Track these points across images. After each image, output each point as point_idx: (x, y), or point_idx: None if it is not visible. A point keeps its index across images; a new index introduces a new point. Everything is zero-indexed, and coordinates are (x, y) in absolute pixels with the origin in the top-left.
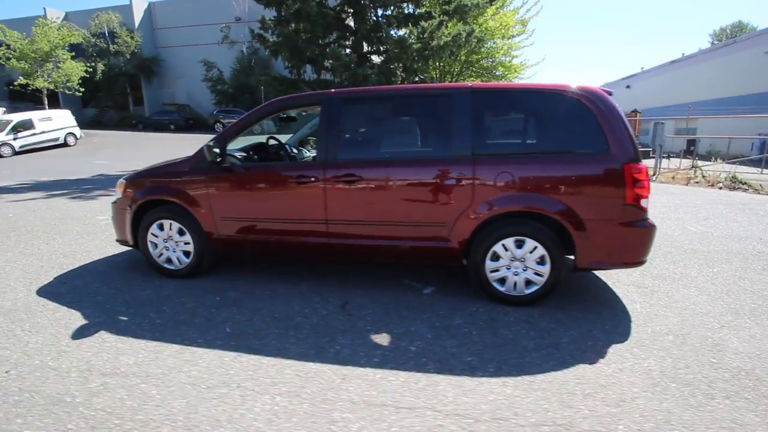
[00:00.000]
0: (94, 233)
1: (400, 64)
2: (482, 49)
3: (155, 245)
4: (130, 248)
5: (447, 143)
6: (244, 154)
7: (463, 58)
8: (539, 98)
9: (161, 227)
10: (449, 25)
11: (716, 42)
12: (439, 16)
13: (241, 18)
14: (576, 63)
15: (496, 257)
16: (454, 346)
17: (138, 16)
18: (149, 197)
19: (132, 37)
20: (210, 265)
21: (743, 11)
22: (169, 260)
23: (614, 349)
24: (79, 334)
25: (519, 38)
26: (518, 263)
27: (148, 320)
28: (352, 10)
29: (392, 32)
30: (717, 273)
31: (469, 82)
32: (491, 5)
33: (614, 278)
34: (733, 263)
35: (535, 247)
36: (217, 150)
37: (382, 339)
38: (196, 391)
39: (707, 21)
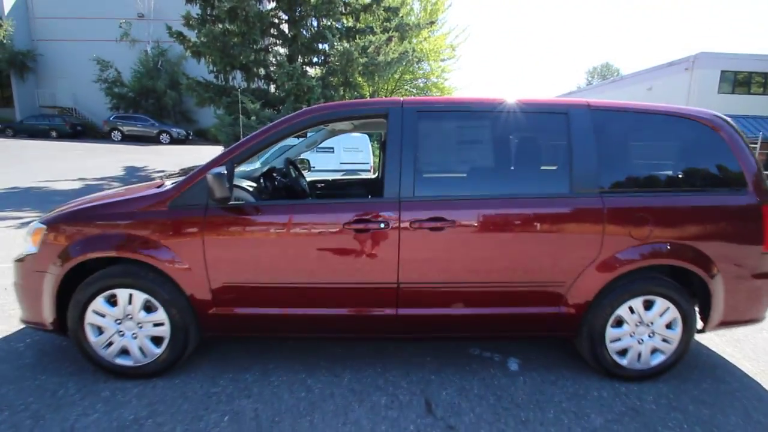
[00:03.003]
0: None
1: (342, 78)
2: (419, 71)
3: (99, 329)
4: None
5: (565, 176)
6: (254, 185)
7: (397, 76)
8: (666, 122)
9: (112, 301)
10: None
11: (590, 79)
12: (380, 32)
13: (144, 15)
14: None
15: (618, 323)
16: None
17: (9, 1)
18: (94, 253)
19: (0, 26)
20: (191, 353)
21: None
22: (124, 352)
23: None
24: None
25: (449, 62)
26: (644, 329)
27: None
28: (286, 17)
29: (336, 44)
30: None
31: (584, 99)
32: (431, 26)
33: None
34: None
35: (667, 308)
36: (227, 183)
37: None
38: None
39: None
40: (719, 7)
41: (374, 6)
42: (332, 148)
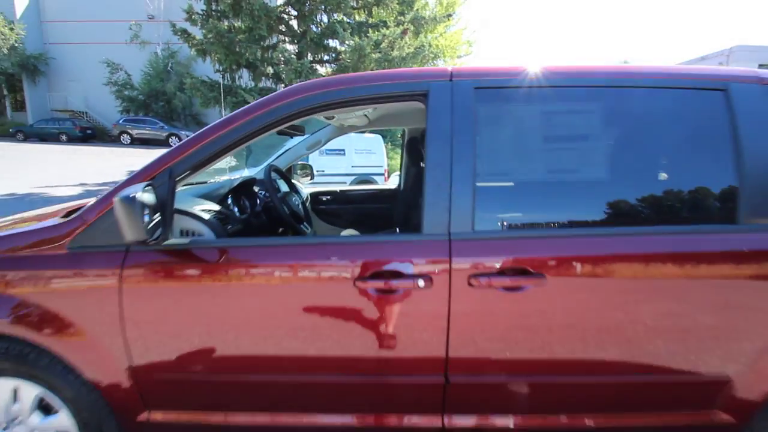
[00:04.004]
0: None
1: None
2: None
3: None
4: None
5: (728, 196)
6: (216, 211)
7: None
8: None
9: None
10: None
11: None
12: (394, 26)
13: (154, 16)
14: None
15: None
16: None
17: (21, 5)
18: None
19: (11, 29)
20: None
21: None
22: None
23: None
24: None
25: (465, 58)
26: None
27: None
28: (296, 12)
29: (347, 39)
30: None
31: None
32: (447, 20)
33: None
34: None
35: None
36: (142, 216)
37: None
38: None
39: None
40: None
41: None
42: (343, 150)
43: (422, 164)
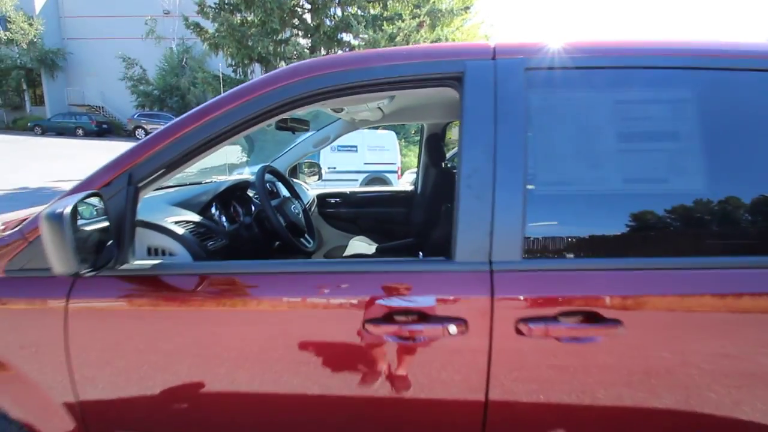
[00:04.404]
0: None
1: None
2: None
3: None
4: None
5: None
6: (196, 222)
7: None
8: None
9: None
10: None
11: None
12: (410, 19)
13: (170, 12)
14: None
15: None
16: None
17: (40, 1)
18: None
19: (31, 24)
20: None
21: None
22: None
23: None
24: None
25: None
26: None
27: None
28: (309, 5)
29: (361, 32)
30: None
31: None
32: (465, 12)
33: None
34: None
35: None
36: (70, 240)
37: None
38: None
39: None
40: None
41: None
42: (355, 146)
43: (444, 164)
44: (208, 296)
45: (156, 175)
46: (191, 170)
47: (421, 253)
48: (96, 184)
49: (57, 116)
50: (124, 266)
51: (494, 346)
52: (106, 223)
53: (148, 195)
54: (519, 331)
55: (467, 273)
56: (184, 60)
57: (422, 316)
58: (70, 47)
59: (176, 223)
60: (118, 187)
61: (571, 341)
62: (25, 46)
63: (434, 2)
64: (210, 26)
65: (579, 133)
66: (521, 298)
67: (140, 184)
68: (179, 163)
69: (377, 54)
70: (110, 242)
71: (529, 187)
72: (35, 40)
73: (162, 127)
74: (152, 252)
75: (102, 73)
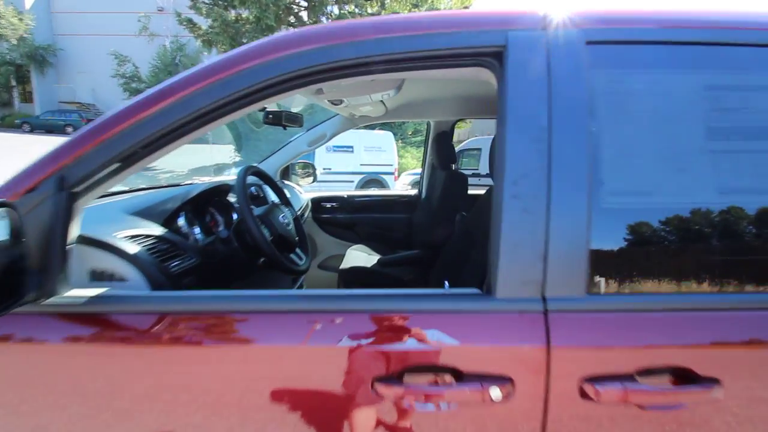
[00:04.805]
0: None
1: None
2: None
3: None
4: None
5: None
6: (158, 237)
7: None
8: None
9: None
10: None
11: None
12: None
13: (163, 8)
14: None
15: None
16: None
17: None
18: None
19: (21, 19)
20: None
21: None
22: None
23: None
24: None
25: None
26: None
27: None
28: (305, 3)
29: None
30: None
31: None
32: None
33: None
34: None
35: None
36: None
37: None
38: None
39: None
40: None
41: None
42: (351, 146)
43: (453, 167)
44: (164, 341)
45: (99, 176)
46: (182, 171)
47: (447, 283)
48: (14, 191)
49: (46, 113)
50: (51, 300)
51: (550, 415)
52: (18, 244)
53: (98, 202)
54: (584, 394)
55: (513, 314)
56: (178, 58)
57: (452, 374)
58: (60, 43)
59: (130, 238)
60: (44, 194)
61: (657, 410)
62: (14, 42)
63: (433, 1)
64: (203, 22)
65: (664, 126)
66: (587, 347)
67: (77, 189)
68: (132, 161)
69: (417, 19)
70: (32, 268)
71: (597, 197)
72: (25, 35)
73: (108, 113)
74: (97, 276)
75: (93, 70)
